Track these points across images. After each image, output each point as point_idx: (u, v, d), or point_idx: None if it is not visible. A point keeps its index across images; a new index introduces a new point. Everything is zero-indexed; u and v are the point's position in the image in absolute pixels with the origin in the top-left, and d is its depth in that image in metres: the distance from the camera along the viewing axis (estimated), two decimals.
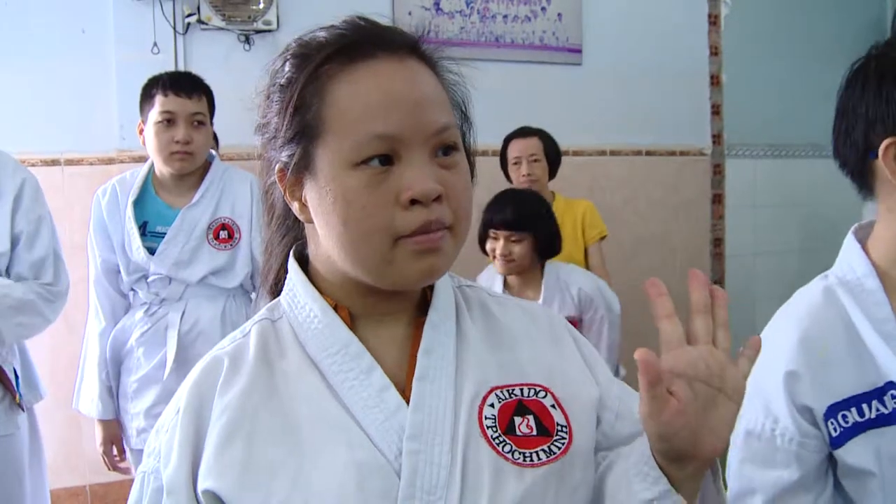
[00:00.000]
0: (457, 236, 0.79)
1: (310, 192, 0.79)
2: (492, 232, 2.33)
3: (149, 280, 2.19)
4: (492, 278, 2.48)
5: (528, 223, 2.30)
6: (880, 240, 1.07)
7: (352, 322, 0.83)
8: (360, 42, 0.78)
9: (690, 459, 0.70)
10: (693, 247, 4.09)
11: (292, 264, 0.87)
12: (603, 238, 3.00)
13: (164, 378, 2.15)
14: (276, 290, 0.91)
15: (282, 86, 0.81)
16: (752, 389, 1.07)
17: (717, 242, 4.16)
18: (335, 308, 0.82)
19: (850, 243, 1.11)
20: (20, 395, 1.92)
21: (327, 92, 0.77)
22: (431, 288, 0.86)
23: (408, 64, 0.79)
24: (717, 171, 4.12)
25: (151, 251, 2.17)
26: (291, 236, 0.90)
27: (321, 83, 0.77)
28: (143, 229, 2.20)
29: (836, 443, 1.01)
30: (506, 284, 2.44)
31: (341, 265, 0.80)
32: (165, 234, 2.18)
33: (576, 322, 2.37)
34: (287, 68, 0.81)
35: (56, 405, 3.00)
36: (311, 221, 0.81)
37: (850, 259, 1.09)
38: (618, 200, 3.82)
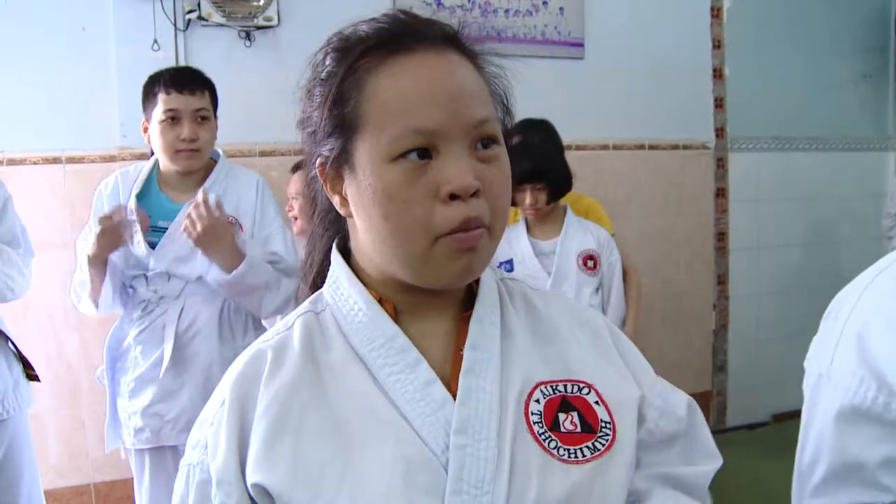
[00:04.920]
0: (494, 234, 0.79)
1: (349, 187, 0.80)
2: (516, 186, 2.45)
3: (148, 276, 2.18)
4: (510, 231, 2.57)
5: (545, 172, 2.43)
6: None
7: (396, 316, 0.82)
8: (400, 35, 0.78)
9: None
10: (696, 241, 4.07)
11: (336, 257, 0.87)
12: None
13: (160, 377, 2.13)
14: (317, 284, 0.91)
15: (322, 79, 0.81)
16: (853, 360, 0.97)
17: (721, 236, 4.14)
18: (380, 301, 0.82)
19: None
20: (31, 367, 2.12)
21: (366, 85, 0.77)
22: (476, 281, 0.85)
23: (447, 56, 0.78)
24: (721, 164, 4.10)
25: (152, 245, 2.16)
26: (334, 230, 0.90)
27: (360, 76, 0.77)
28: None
29: None
30: (528, 228, 2.58)
31: (380, 261, 0.80)
32: (167, 229, 2.17)
33: (596, 258, 2.51)
34: (327, 62, 0.81)
35: (60, 406, 3.02)
36: (351, 215, 0.82)
37: None
38: (621, 195, 3.81)
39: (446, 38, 0.80)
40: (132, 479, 2.26)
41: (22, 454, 2.11)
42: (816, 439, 1.02)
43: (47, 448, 2.99)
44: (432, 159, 0.75)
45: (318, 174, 0.83)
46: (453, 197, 0.74)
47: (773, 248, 4.27)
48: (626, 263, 2.77)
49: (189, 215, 2.01)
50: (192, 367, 2.15)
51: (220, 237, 2.04)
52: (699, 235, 4.09)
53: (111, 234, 2.02)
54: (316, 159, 0.82)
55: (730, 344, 4.20)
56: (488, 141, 0.78)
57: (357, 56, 0.78)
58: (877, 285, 1.03)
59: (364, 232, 0.80)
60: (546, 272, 2.49)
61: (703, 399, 3.96)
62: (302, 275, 0.96)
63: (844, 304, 1.04)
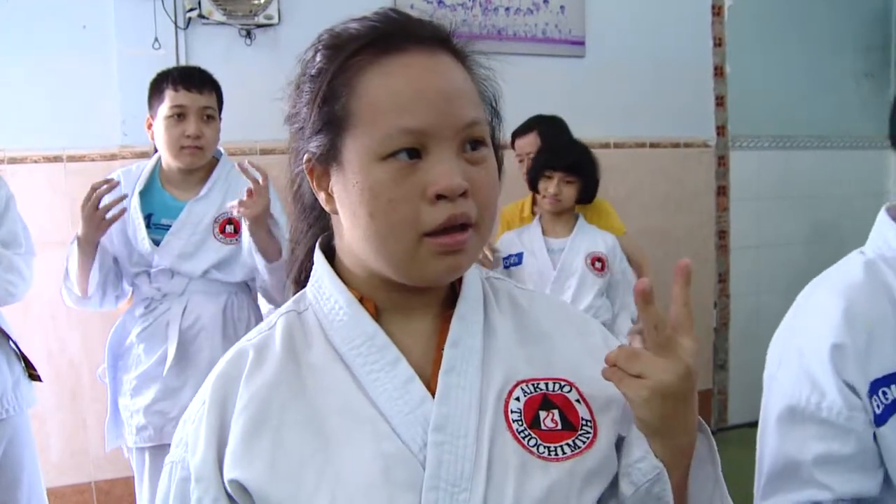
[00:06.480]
0: (481, 234, 0.79)
1: (337, 184, 0.80)
2: (548, 172, 2.56)
3: (151, 273, 2.18)
4: (522, 229, 2.71)
5: (583, 169, 2.57)
6: None
7: (378, 315, 0.83)
8: (392, 34, 0.78)
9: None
10: (697, 239, 4.07)
11: (318, 256, 0.87)
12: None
13: (163, 374, 2.14)
14: (301, 281, 0.91)
15: (312, 76, 0.81)
16: (793, 364, 1.07)
17: (722, 235, 4.15)
18: (361, 300, 0.83)
19: (884, 220, 1.11)
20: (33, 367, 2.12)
21: (357, 83, 0.77)
22: (460, 280, 0.85)
23: (438, 58, 0.79)
24: (722, 162, 4.10)
25: (156, 243, 2.17)
26: (318, 227, 0.90)
27: (351, 74, 0.77)
28: (148, 221, 2.19)
29: (880, 420, 1.00)
30: (542, 231, 2.68)
31: (365, 258, 0.81)
32: (170, 226, 2.18)
33: (605, 261, 2.58)
34: (318, 59, 0.81)
35: (61, 404, 3.02)
36: (337, 212, 0.82)
37: (887, 235, 1.09)
38: (622, 193, 3.80)
39: (438, 39, 0.80)
40: (133, 477, 2.26)
41: (23, 453, 2.11)
42: (761, 441, 1.11)
43: (48, 446, 2.99)
44: (421, 159, 0.75)
45: (304, 170, 0.83)
46: (440, 197, 0.74)
47: (773, 246, 4.27)
48: (640, 258, 2.80)
49: (247, 193, 2.01)
50: (195, 364, 2.16)
51: (266, 218, 2.06)
52: (700, 234, 4.09)
53: (93, 215, 1.99)
54: (303, 155, 0.82)
55: (731, 342, 4.20)
56: (477, 143, 0.78)
57: (349, 54, 0.78)
58: (814, 293, 1.13)
59: (350, 229, 0.80)
60: (554, 267, 2.57)
61: (704, 397, 3.96)
62: (286, 272, 0.96)
63: (794, 310, 1.15)
